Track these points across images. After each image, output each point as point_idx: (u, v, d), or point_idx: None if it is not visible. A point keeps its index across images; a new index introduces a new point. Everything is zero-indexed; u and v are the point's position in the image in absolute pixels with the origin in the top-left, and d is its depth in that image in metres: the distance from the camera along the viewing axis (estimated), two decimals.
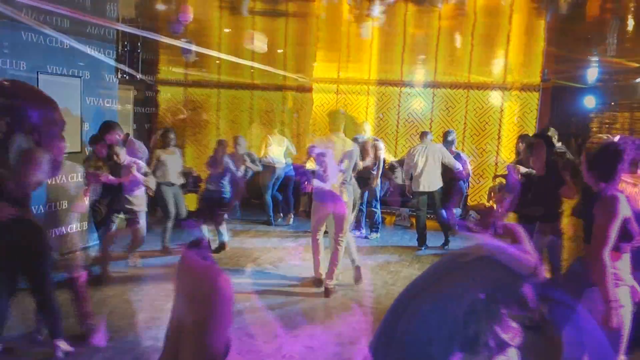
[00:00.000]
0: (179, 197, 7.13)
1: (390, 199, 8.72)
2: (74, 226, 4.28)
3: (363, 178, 7.87)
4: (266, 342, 4.46)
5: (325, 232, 5.98)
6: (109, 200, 5.65)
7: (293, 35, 7.61)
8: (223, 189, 7.19)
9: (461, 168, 7.63)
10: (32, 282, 3.83)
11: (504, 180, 7.04)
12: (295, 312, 5.17)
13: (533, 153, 4.89)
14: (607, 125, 8.58)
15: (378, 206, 8.19)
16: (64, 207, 4.86)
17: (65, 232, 4.20)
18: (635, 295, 3.07)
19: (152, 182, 6.23)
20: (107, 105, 7.09)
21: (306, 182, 5.79)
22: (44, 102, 5.18)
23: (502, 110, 9.51)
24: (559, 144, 6.38)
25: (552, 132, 7.26)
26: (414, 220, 8.45)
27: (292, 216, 9.10)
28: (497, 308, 2.12)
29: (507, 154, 9.21)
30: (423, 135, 7.84)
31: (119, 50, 7.09)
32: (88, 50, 6.46)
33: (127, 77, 7.27)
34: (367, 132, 8.83)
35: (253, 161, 8.32)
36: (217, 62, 9.48)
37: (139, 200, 5.81)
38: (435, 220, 7.84)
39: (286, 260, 6.81)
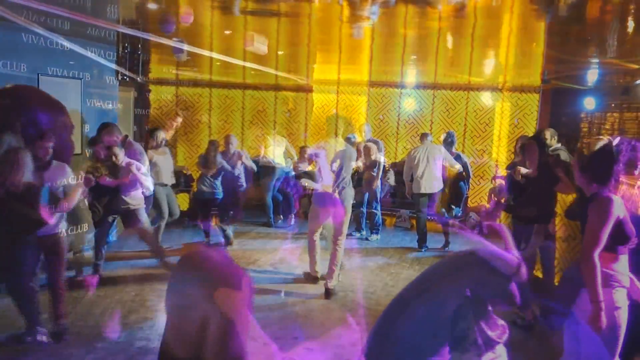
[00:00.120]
0: (172, 197, 7.15)
1: (382, 200, 8.73)
2: (61, 227, 4.27)
3: (363, 180, 7.90)
4: (265, 343, 4.46)
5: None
6: (107, 201, 5.66)
7: (289, 36, 7.60)
8: (216, 189, 7.21)
9: (462, 169, 7.64)
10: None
11: (503, 182, 7.06)
12: (296, 313, 5.18)
13: (526, 154, 4.91)
14: (607, 127, 8.59)
15: (378, 208, 8.20)
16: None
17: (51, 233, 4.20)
18: (636, 295, 3.07)
19: (150, 183, 6.24)
20: (108, 106, 7.10)
21: (297, 193, 5.87)
22: (55, 106, 5.25)
23: (502, 112, 9.52)
24: (558, 145, 6.37)
25: (551, 133, 7.27)
26: (414, 222, 8.46)
27: (293, 217, 9.11)
28: (483, 305, 2.14)
29: (507, 155, 9.22)
30: (423, 136, 7.85)
31: (120, 52, 7.10)
32: (88, 52, 6.47)
33: (127, 79, 7.28)
34: (368, 133, 8.84)
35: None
36: (209, 61, 9.44)
37: (136, 200, 5.82)
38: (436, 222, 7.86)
39: (286, 262, 6.81)
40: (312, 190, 5.93)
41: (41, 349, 4.15)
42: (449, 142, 7.85)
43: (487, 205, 8.30)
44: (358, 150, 8.09)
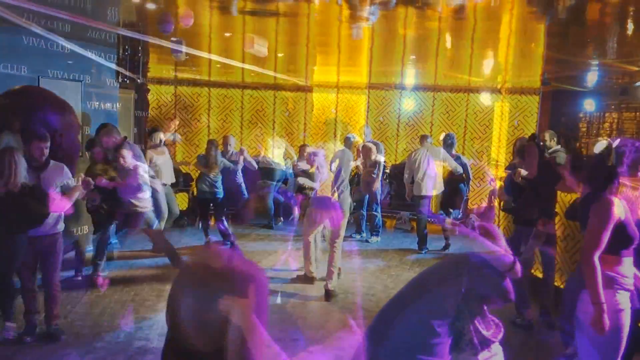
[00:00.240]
0: (171, 196, 7.16)
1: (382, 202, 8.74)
2: (59, 227, 4.27)
3: (362, 180, 7.91)
4: (269, 346, 4.45)
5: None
6: (112, 203, 5.67)
7: (288, 36, 7.60)
8: (217, 189, 7.21)
9: (462, 171, 7.64)
10: None
11: (496, 185, 7.09)
12: (296, 315, 5.17)
13: (525, 156, 4.91)
14: (606, 127, 8.61)
15: (379, 210, 8.19)
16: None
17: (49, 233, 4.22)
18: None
19: (158, 185, 6.27)
20: (108, 108, 7.10)
21: (293, 202, 5.91)
22: (63, 106, 5.29)
23: (502, 114, 9.53)
24: (557, 147, 6.39)
25: (550, 135, 7.28)
26: (414, 224, 8.46)
27: (297, 213, 9.08)
28: (478, 303, 2.15)
29: (506, 157, 9.23)
30: (423, 138, 7.85)
31: (120, 54, 7.11)
32: (89, 54, 6.48)
33: (127, 81, 7.28)
34: (368, 135, 8.85)
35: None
36: (208, 60, 9.42)
37: (142, 202, 5.85)
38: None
39: (287, 264, 6.80)
40: (310, 189, 5.94)
41: (40, 349, 4.14)
42: (448, 144, 7.85)
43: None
44: (357, 150, 8.11)
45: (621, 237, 2.99)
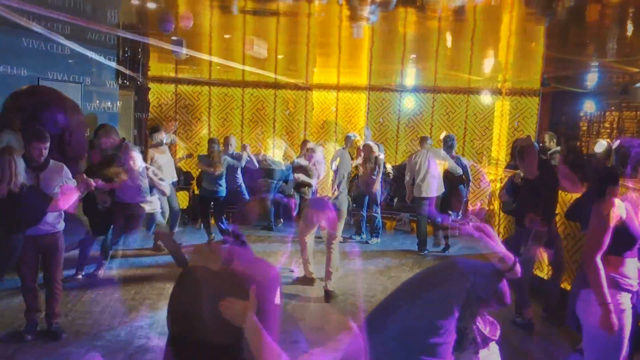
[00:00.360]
0: (173, 195, 7.17)
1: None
2: (59, 226, 4.28)
3: (360, 179, 7.91)
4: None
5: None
6: (120, 205, 5.69)
7: (288, 35, 7.59)
8: (219, 188, 7.21)
9: (462, 173, 7.65)
10: None
11: (490, 187, 7.14)
12: (296, 317, 5.17)
13: (524, 157, 4.91)
14: (606, 126, 8.61)
15: (378, 211, 8.19)
16: None
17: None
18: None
19: (167, 187, 6.30)
20: (108, 110, 7.11)
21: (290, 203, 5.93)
22: (73, 106, 5.33)
23: (502, 115, 9.53)
24: (557, 148, 6.39)
25: (550, 136, 7.29)
26: (414, 225, 8.45)
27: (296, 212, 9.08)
28: (476, 305, 2.15)
29: (506, 158, 9.23)
30: (423, 140, 7.85)
31: (120, 56, 7.12)
32: (88, 55, 6.49)
33: (127, 83, 7.29)
34: (368, 137, 8.86)
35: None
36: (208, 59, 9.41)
37: (151, 205, 5.88)
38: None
39: (287, 265, 6.80)
40: (307, 185, 5.95)
41: (41, 347, 4.15)
42: (449, 145, 7.86)
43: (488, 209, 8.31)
44: (358, 149, 8.12)
45: (623, 239, 2.99)
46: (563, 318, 3.62)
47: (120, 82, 7.22)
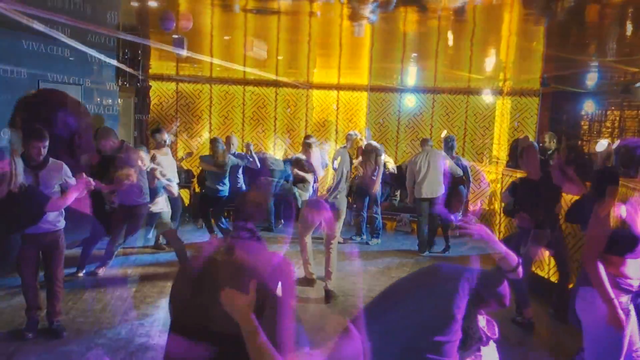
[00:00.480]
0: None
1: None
2: (60, 224, 4.28)
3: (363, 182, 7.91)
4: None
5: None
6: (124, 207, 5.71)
7: (289, 34, 7.59)
8: (222, 187, 7.20)
9: (462, 173, 7.64)
10: None
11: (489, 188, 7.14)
12: (296, 318, 5.15)
13: (525, 158, 4.90)
14: (607, 125, 8.61)
15: (379, 212, 8.18)
16: None
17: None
18: None
19: (174, 189, 6.32)
20: (108, 112, 7.12)
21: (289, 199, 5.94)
22: (83, 110, 5.36)
23: (503, 115, 9.53)
24: (556, 146, 6.39)
25: (550, 136, 7.28)
26: (414, 226, 8.45)
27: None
28: (477, 304, 2.15)
29: (507, 158, 9.23)
30: (424, 142, 7.84)
31: (120, 57, 7.13)
32: (88, 57, 6.50)
33: (127, 85, 7.30)
34: (368, 137, 8.86)
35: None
36: (209, 56, 9.39)
37: (158, 205, 5.89)
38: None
39: None
40: (304, 181, 5.94)
41: (42, 346, 4.15)
42: (449, 146, 7.86)
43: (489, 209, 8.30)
44: (359, 149, 8.12)
45: (624, 239, 2.98)
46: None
47: (120, 83, 7.22)
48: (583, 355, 3.22)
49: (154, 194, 6.09)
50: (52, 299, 4.34)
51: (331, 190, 5.84)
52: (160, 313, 4.87)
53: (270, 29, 6.90)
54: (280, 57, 8.55)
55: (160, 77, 9.81)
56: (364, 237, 8.29)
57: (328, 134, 10.05)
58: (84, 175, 3.91)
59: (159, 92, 9.93)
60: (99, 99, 6.94)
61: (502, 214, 6.99)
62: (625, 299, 3.00)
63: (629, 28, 6.17)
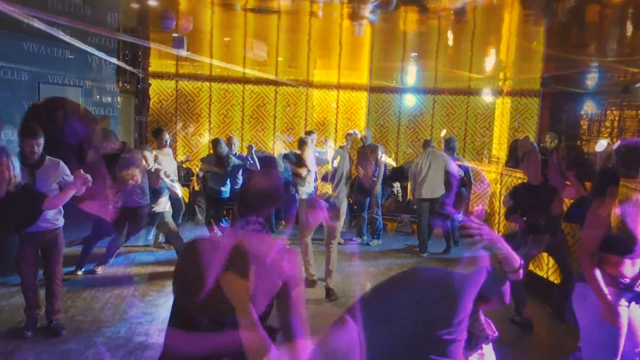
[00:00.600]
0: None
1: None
2: (59, 222, 4.28)
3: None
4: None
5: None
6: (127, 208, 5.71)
7: (289, 33, 7.59)
8: (223, 188, 7.19)
9: (463, 175, 7.63)
10: None
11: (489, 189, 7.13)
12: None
13: (526, 162, 4.88)
14: (607, 125, 8.59)
15: (379, 212, 8.17)
16: None
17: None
18: None
19: (178, 189, 6.33)
20: (108, 112, 7.13)
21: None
22: (92, 118, 5.41)
23: (503, 116, 9.52)
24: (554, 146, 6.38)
25: (550, 137, 7.27)
26: (415, 227, 8.43)
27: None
28: (481, 299, 2.15)
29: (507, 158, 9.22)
30: (426, 143, 7.84)
31: (120, 58, 7.13)
32: (88, 59, 6.51)
33: (127, 86, 7.31)
34: (369, 138, 8.84)
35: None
36: (209, 55, 9.38)
37: (160, 205, 5.90)
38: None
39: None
40: (300, 177, 5.94)
41: (41, 344, 4.15)
42: (450, 148, 7.85)
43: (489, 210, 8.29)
44: (359, 150, 8.12)
45: (624, 240, 2.98)
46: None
47: (120, 85, 7.22)
48: (579, 353, 3.22)
49: (157, 194, 6.11)
50: (51, 297, 4.34)
51: (333, 186, 5.81)
52: (160, 312, 4.86)
53: (270, 29, 6.90)
54: (280, 59, 8.56)
55: (160, 75, 9.77)
56: (365, 238, 8.28)
57: (327, 134, 10.04)
58: (81, 171, 3.89)
59: (159, 90, 9.91)
60: (98, 100, 6.95)
61: (501, 213, 6.98)
62: (624, 299, 2.99)
63: (629, 28, 6.17)
